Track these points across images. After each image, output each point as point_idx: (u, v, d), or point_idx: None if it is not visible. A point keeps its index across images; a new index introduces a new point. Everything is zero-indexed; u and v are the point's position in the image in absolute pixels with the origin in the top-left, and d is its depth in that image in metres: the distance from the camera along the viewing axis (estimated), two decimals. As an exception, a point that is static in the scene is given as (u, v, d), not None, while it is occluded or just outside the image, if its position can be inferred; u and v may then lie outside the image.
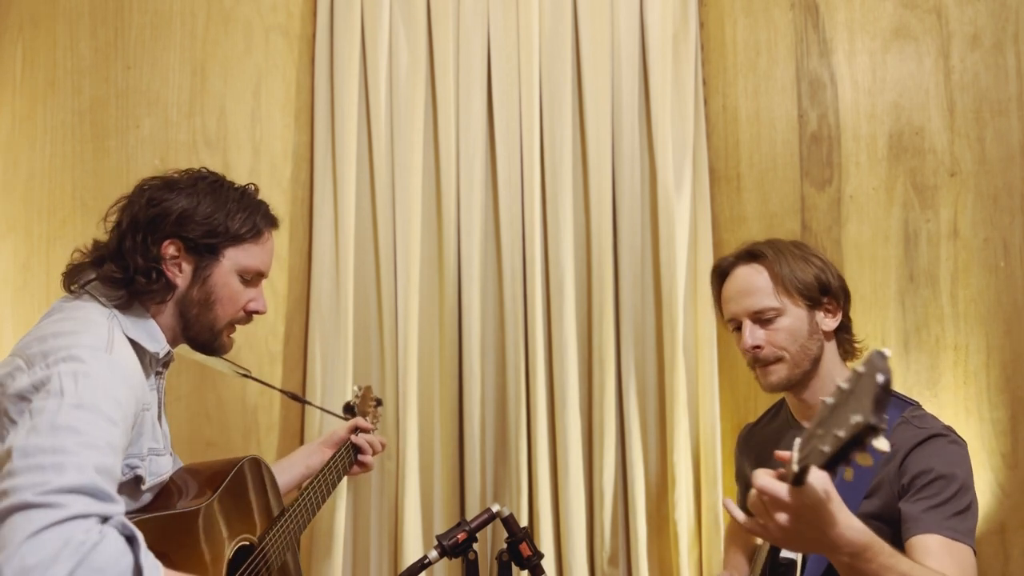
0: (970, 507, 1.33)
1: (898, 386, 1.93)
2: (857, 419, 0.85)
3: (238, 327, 1.44)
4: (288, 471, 1.73)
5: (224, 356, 1.70)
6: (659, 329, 2.15)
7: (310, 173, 2.16)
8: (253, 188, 1.41)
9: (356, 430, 1.81)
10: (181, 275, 1.31)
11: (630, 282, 2.14)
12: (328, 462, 1.72)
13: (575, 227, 2.16)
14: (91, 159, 2.00)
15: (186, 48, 2.05)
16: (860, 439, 0.86)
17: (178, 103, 2.04)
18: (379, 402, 1.98)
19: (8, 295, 2.00)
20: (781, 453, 1.06)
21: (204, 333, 1.36)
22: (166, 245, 1.29)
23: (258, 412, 2.05)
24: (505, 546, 1.57)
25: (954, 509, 1.31)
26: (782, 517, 1.01)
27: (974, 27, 1.97)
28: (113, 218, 1.33)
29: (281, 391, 1.98)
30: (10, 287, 2.00)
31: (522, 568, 1.56)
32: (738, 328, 1.51)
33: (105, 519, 1.00)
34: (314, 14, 2.18)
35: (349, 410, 1.89)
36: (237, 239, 1.34)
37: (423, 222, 2.15)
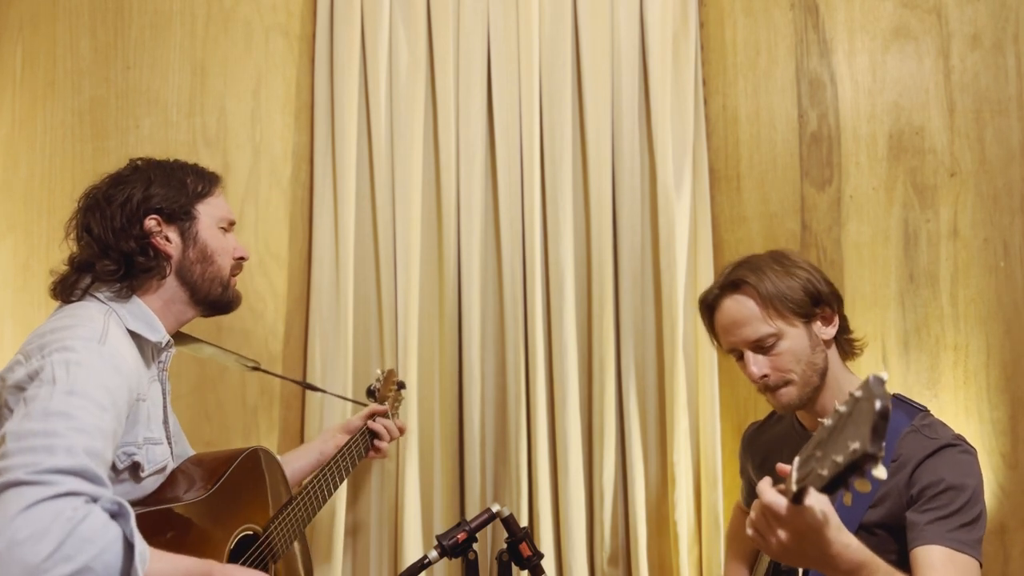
0: (978, 518, 1.31)
1: (898, 386, 1.94)
2: (855, 447, 0.85)
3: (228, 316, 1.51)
4: (303, 457, 1.77)
5: (231, 351, 1.72)
6: (659, 329, 2.15)
7: (310, 173, 2.16)
8: (183, 161, 1.49)
9: (373, 416, 1.83)
10: (171, 244, 1.38)
11: (630, 282, 2.14)
12: (341, 449, 1.73)
13: (575, 227, 2.16)
14: (91, 159, 2.00)
15: (186, 48, 2.05)
16: (858, 466, 0.85)
17: (178, 103, 2.04)
18: (402, 385, 1.99)
19: (8, 295, 2.00)
20: (782, 467, 1.06)
21: (216, 288, 1.43)
22: (147, 222, 1.36)
23: (258, 412, 2.05)
24: (505, 546, 1.58)
25: (961, 520, 1.29)
26: (782, 534, 1.03)
27: (974, 27, 1.97)
28: (74, 234, 1.39)
29: (296, 382, 1.98)
30: (10, 287, 2.00)
31: (522, 568, 1.57)
32: (740, 357, 1.48)
33: (94, 499, 1.04)
34: (314, 14, 2.18)
35: (371, 394, 1.90)
36: (200, 195, 1.43)
37: (423, 222, 2.15)
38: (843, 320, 1.51)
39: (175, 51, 2.05)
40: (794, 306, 1.42)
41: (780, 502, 1.02)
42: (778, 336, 1.42)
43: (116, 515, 1.04)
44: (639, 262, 2.16)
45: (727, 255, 2.17)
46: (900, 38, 2.03)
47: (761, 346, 1.44)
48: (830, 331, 1.47)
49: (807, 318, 1.44)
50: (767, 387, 1.46)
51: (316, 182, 2.14)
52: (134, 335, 1.32)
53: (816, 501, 1.02)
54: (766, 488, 1.05)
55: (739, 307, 1.45)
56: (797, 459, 1.02)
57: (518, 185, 2.16)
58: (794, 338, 1.43)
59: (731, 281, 1.47)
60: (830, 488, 0.90)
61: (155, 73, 2.03)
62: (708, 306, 1.52)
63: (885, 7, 2.04)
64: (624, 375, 2.12)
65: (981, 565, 1.30)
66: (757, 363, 1.44)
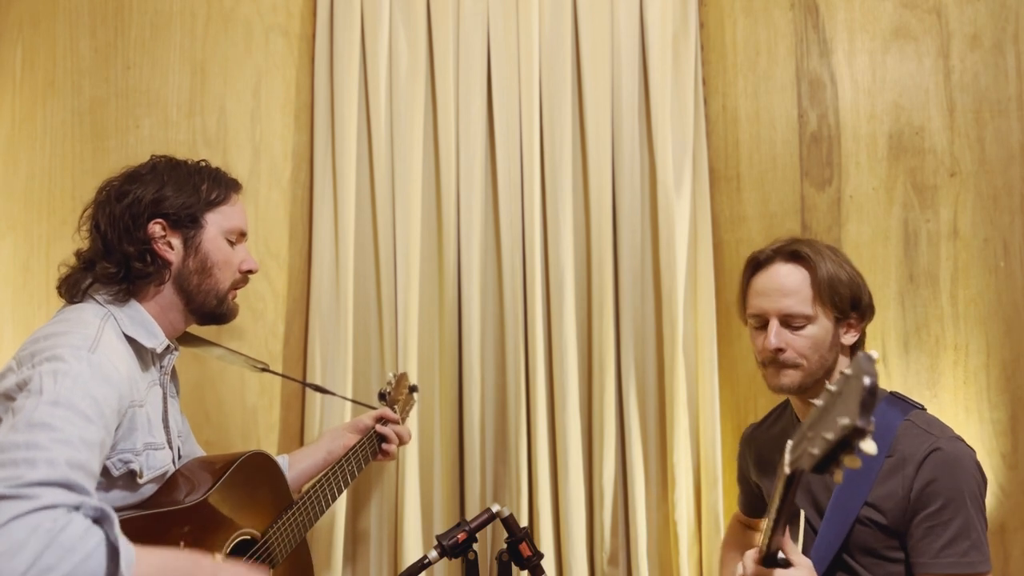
0: (982, 531, 1.32)
1: (898, 386, 1.94)
2: (844, 421, 0.86)
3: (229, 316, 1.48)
4: (311, 457, 1.76)
5: (240, 352, 1.72)
6: (659, 329, 2.15)
7: (310, 173, 2.16)
8: (205, 163, 1.46)
9: (382, 419, 1.82)
10: (173, 251, 1.37)
11: (630, 282, 2.14)
12: (350, 450, 1.72)
13: (575, 227, 2.16)
14: (91, 159, 2.00)
15: (186, 48, 2.05)
16: (847, 441, 0.86)
17: (178, 103, 2.04)
18: (414, 388, 1.99)
19: (8, 295, 2.00)
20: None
21: (210, 300, 1.41)
22: (151, 226, 1.35)
23: (258, 412, 2.05)
24: (505, 546, 1.58)
25: (967, 542, 1.31)
26: None
27: (974, 27, 1.97)
28: (86, 227, 1.38)
29: (309, 385, 1.97)
30: (10, 287, 2.00)
31: (522, 568, 1.57)
32: (760, 325, 1.49)
33: (76, 508, 1.02)
34: (314, 14, 2.18)
35: (382, 398, 1.89)
36: (212, 204, 1.40)
37: (423, 222, 2.15)
38: (863, 336, 1.52)
39: (175, 51, 2.05)
40: (838, 300, 1.44)
41: (759, 570, 1.13)
42: (810, 320, 1.44)
43: (98, 520, 1.03)
44: (639, 262, 2.16)
45: (727, 255, 2.17)
46: (900, 38, 2.03)
47: (791, 322, 1.44)
48: (850, 338, 1.48)
49: (840, 317, 1.46)
50: (775, 361, 1.46)
51: (316, 182, 2.14)
52: (131, 340, 1.31)
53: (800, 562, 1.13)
54: (749, 561, 1.15)
55: (792, 277, 1.46)
56: (790, 442, 1.05)
57: (518, 185, 2.16)
58: (822, 328, 1.44)
59: (792, 251, 1.48)
60: (822, 466, 0.91)
61: (155, 73, 2.03)
62: (756, 263, 1.52)
63: (885, 7, 2.04)
64: (624, 375, 2.12)
65: (991, 568, 1.32)
66: (780, 336, 1.44)
